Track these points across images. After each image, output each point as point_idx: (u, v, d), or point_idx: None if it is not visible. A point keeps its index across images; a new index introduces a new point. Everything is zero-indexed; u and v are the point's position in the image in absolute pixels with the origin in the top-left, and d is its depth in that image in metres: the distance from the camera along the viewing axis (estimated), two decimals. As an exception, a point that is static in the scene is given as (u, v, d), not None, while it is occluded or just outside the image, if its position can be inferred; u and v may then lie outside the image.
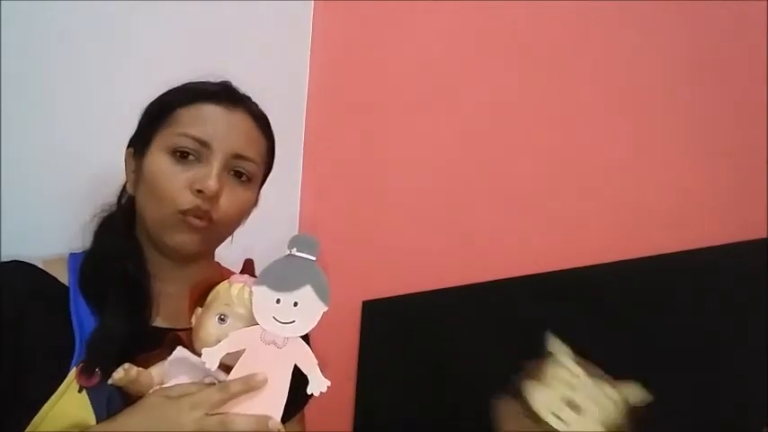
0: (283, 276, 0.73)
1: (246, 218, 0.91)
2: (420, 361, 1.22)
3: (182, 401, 0.69)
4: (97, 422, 0.74)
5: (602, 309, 1.01)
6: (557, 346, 0.77)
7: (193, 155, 0.83)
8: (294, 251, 0.74)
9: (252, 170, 0.87)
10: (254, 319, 0.74)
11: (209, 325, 0.74)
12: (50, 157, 1.10)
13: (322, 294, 0.73)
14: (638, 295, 0.98)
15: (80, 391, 0.76)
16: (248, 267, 0.81)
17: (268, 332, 0.72)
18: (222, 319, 0.74)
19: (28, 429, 0.75)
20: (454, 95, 1.29)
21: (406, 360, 1.24)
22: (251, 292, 0.75)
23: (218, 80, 0.91)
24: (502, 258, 1.16)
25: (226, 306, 0.75)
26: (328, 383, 0.72)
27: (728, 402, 0.88)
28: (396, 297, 1.25)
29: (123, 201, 0.92)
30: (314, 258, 0.74)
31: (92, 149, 1.09)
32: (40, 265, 0.85)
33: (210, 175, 0.82)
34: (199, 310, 0.78)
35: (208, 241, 0.88)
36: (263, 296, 0.72)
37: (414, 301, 1.23)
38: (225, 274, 0.94)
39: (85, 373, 0.77)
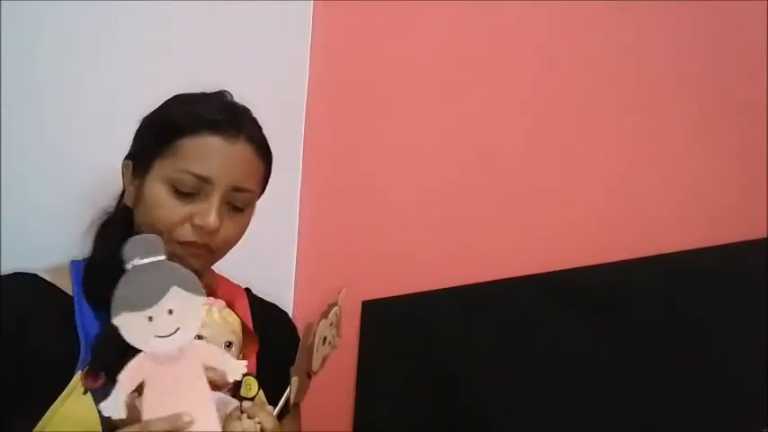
0: (136, 293, 0.65)
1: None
2: (420, 361, 1.22)
3: None
4: (101, 422, 0.75)
5: (602, 309, 1.01)
6: (343, 297, 0.82)
7: (193, 189, 0.84)
8: (136, 261, 0.66)
9: (249, 200, 0.89)
10: (222, 337, 0.74)
11: None
12: (50, 161, 1.10)
13: (192, 287, 0.67)
14: (637, 295, 0.98)
15: (85, 392, 0.78)
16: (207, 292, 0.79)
17: (158, 354, 0.65)
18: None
19: (34, 431, 0.77)
20: (454, 95, 1.29)
21: (405, 360, 1.24)
22: (218, 311, 0.76)
23: (217, 91, 0.91)
24: (502, 258, 1.16)
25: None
26: (245, 363, 0.69)
27: (728, 402, 0.88)
28: (396, 297, 1.25)
29: (121, 205, 0.92)
30: (162, 257, 0.67)
31: (91, 153, 1.09)
32: (43, 275, 0.86)
33: (210, 212, 0.83)
34: None
35: (206, 264, 0.90)
36: (128, 324, 0.65)
37: (414, 301, 1.23)
38: (219, 282, 0.96)
39: (91, 375, 0.78)
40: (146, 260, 0.66)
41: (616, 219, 1.05)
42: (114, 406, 0.64)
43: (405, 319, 1.25)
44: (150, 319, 0.65)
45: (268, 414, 0.74)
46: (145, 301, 0.65)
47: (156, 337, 0.65)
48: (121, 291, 0.65)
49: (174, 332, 0.66)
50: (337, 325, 0.83)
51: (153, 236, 0.68)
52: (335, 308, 0.82)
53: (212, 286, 0.94)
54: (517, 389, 1.08)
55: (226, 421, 0.71)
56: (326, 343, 0.81)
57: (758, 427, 0.84)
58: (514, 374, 1.09)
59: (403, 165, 1.34)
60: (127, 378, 0.65)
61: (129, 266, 0.65)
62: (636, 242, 1.00)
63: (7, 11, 1.05)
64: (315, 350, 0.77)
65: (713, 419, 0.89)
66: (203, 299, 0.67)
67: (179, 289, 0.66)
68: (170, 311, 0.65)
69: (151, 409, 0.66)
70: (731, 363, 0.88)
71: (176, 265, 0.68)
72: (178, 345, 0.66)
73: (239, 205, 0.87)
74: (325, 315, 0.79)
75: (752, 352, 0.86)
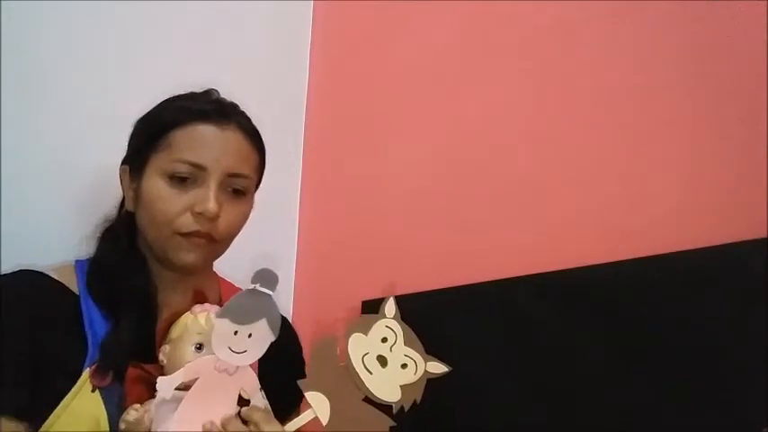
0: (244, 310, 0.76)
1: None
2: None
3: None
4: (109, 420, 0.78)
5: (602, 309, 1.01)
6: (390, 308, 0.85)
7: (190, 177, 0.85)
8: (257, 286, 0.76)
9: (246, 185, 0.89)
10: None
11: (186, 356, 0.77)
12: (49, 162, 1.10)
13: (274, 327, 0.77)
14: (637, 295, 0.98)
15: (93, 390, 0.79)
16: (199, 297, 0.86)
17: (222, 361, 0.75)
18: (199, 348, 0.78)
19: (42, 428, 0.78)
20: (454, 95, 1.29)
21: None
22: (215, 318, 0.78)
23: (204, 90, 0.92)
24: (502, 258, 1.16)
25: (199, 335, 0.78)
26: (266, 403, 0.76)
27: (728, 402, 0.88)
28: (395, 297, 1.25)
29: (123, 212, 0.93)
30: (272, 292, 0.77)
31: (91, 154, 1.09)
32: (50, 273, 0.87)
33: (209, 198, 0.84)
34: (166, 347, 0.80)
35: (210, 257, 0.91)
36: (222, 328, 0.75)
37: (414, 301, 1.23)
38: (222, 285, 0.95)
39: (99, 374, 0.80)
40: (263, 289, 0.76)
41: (616, 219, 1.05)
42: (168, 386, 0.73)
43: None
44: (235, 333, 0.75)
45: (265, 415, 0.76)
46: (241, 319, 0.75)
47: (228, 348, 0.75)
48: (235, 301, 0.76)
49: (242, 352, 0.75)
50: (407, 344, 0.84)
51: (273, 272, 0.77)
52: (383, 320, 0.84)
53: (211, 290, 0.95)
54: (517, 389, 1.08)
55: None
56: (402, 366, 0.81)
57: (758, 427, 0.84)
58: (514, 374, 1.09)
59: (403, 164, 1.34)
60: (190, 369, 0.75)
61: (251, 287, 0.76)
62: (636, 242, 1.00)
63: (7, 11, 1.05)
64: (362, 371, 0.79)
65: (713, 419, 0.89)
66: (273, 339, 0.77)
67: (266, 324, 0.76)
68: (250, 335, 0.75)
69: (192, 398, 0.75)
70: (731, 363, 0.88)
71: (275, 304, 0.77)
72: (238, 363, 0.76)
73: (239, 188, 0.88)
74: (354, 329, 0.79)
75: (752, 352, 0.86)
